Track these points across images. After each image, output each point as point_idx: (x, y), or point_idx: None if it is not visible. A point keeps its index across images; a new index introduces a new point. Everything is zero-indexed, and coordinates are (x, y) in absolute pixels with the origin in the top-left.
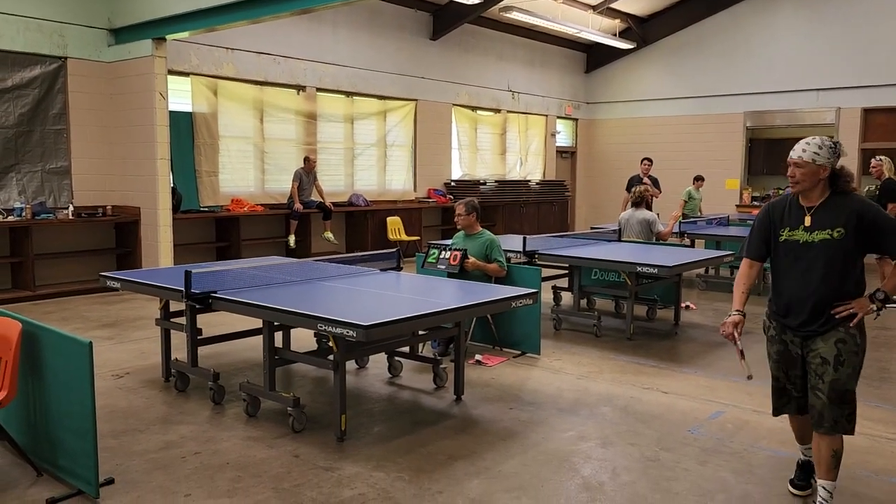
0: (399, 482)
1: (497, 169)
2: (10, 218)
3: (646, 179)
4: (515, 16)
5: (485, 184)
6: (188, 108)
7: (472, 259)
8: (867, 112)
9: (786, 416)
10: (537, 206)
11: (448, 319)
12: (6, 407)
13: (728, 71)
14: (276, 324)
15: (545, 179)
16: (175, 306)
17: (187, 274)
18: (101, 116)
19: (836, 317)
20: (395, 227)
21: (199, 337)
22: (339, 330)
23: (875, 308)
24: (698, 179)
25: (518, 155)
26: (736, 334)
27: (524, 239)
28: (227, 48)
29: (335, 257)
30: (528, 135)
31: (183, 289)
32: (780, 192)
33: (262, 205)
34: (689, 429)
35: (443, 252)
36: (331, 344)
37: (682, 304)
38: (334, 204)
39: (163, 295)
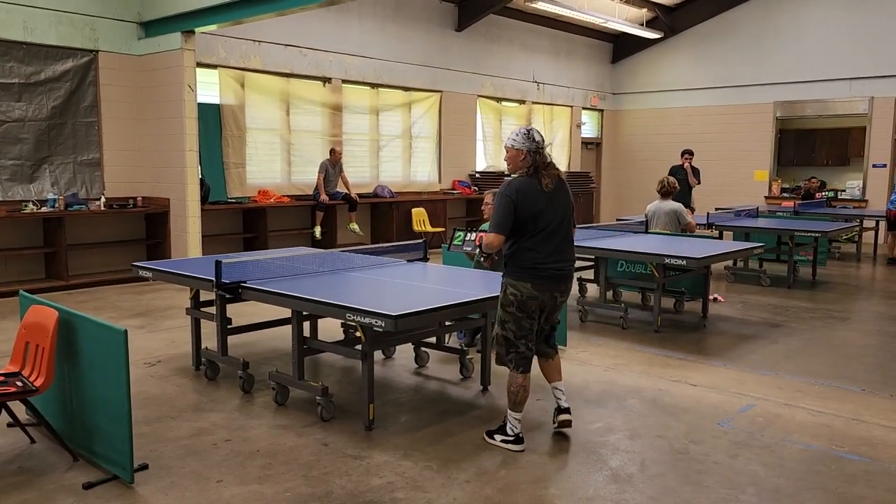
0: (427, 471)
1: None
2: (44, 209)
3: (686, 166)
4: (541, 6)
5: (510, 175)
6: (216, 101)
7: None
8: None
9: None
10: None
11: (475, 310)
12: (43, 393)
13: (757, 60)
14: (304, 314)
15: (570, 171)
16: (205, 296)
17: (217, 264)
18: (131, 109)
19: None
20: (420, 219)
21: (228, 326)
22: (367, 320)
23: (475, 252)
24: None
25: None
26: None
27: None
28: (254, 41)
29: (362, 248)
30: (553, 126)
31: (213, 278)
32: (811, 182)
33: (288, 196)
34: (718, 422)
35: (468, 234)
36: (358, 334)
37: (711, 297)
38: (359, 195)
39: (193, 285)
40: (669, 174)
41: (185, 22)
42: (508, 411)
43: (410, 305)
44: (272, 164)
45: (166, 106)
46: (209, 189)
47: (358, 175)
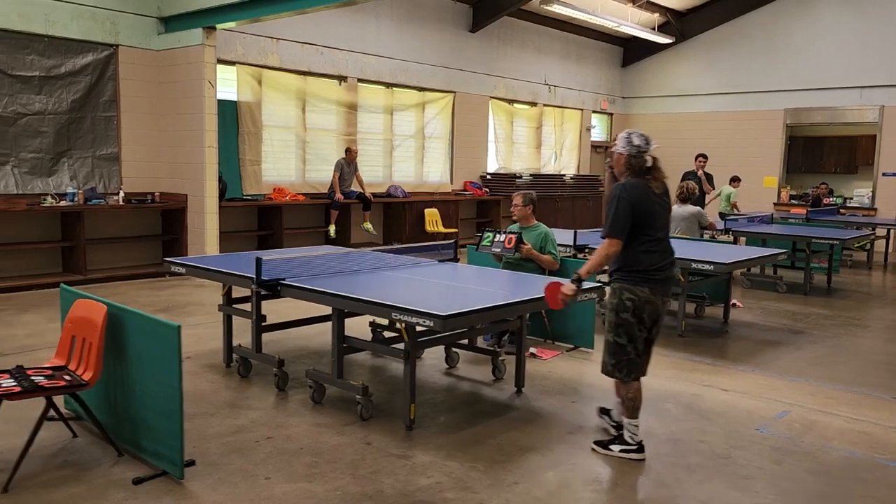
0: (473, 472)
1: (532, 163)
2: (63, 202)
3: (700, 174)
4: (556, 8)
5: (521, 177)
6: (233, 97)
7: (527, 245)
8: None
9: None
10: (572, 200)
11: (520, 311)
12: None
13: (768, 67)
14: (345, 311)
15: (579, 174)
16: (236, 293)
17: (258, 261)
18: (149, 104)
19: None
20: (433, 219)
21: (263, 324)
22: (415, 319)
23: (574, 287)
24: (735, 180)
25: (553, 149)
26: None
27: (575, 233)
28: (272, 38)
29: (396, 248)
30: (563, 129)
31: (253, 276)
32: (819, 189)
33: (302, 194)
34: (756, 427)
35: (497, 235)
36: (387, 334)
37: (730, 302)
38: (373, 195)
39: (232, 282)
40: (683, 179)
41: (205, 18)
42: (626, 420)
43: (454, 305)
44: (287, 161)
45: (185, 101)
46: (226, 186)
47: (371, 174)
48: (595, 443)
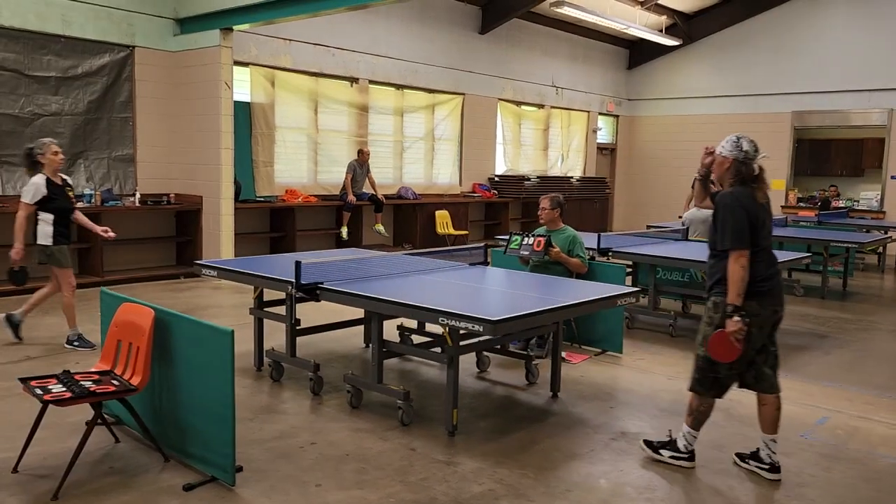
0: (524, 479)
1: (539, 164)
2: (80, 204)
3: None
4: (566, 10)
5: (529, 179)
6: (246, 98)
7: (556, 248)
8: None
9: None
10: (579, 202)
11: (567, 315)
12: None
13: (775, 70)
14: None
15: (585, 176)
16: (268, 296)
17: (297, 265)
18: (165, 105)
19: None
20: (444, 221)
21: (297, 328)
22: (464, 324)
23: (737, 320)
24: None
25: (560, 151)
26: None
27: (599, 236)
28: (285, 39)
29: (427, 251)
30: (570, 130)
31: (290, 279)
32: (829, 191)
33: (314, 196)
34: (800, 434)
35: (526, 238)
36: (415, 338)
37: None
38: (385, 197)
39: (269, 286)
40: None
41: (220, 20)
42: (686, 427)
43: (500, 309)
44: (299, 163)
45: (201, 103)
46: (240, 187)
47: (381, 176)
48: (645, 442)
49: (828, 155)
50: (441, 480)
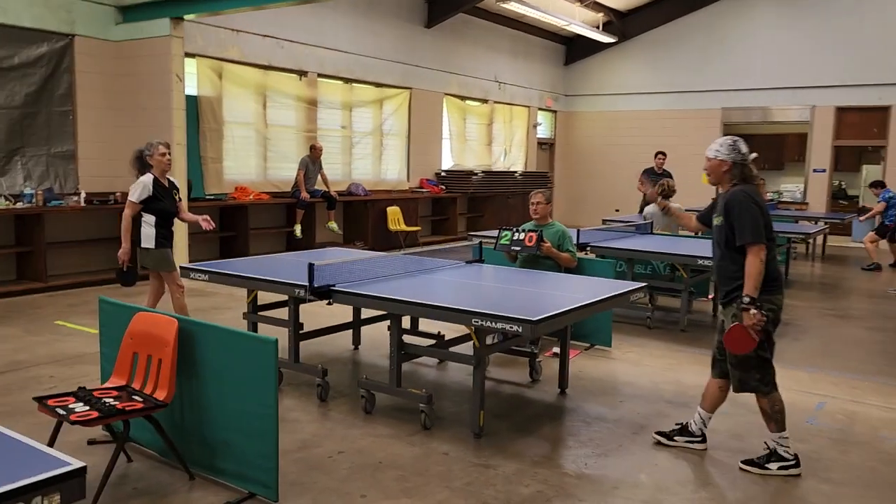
0: (567, 478)
1: (483, 159)
2: (19, 205)
3: (660, 172)
4: (512, 6)
5: (476, 174)
6: (193, 92)
7: (547, 243)
8: (840, 111)
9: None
10: (523, 197)
11: (593, 311)
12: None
13: (706, 67)
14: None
15: (528, 171)
16: (262, 299)
17: (311, 267)
18: (108, 98)
19: (748, 334)
20: (396, 217)
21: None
22: (500, 325)
23: (754, 312)
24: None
25: (503, 146)
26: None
27: (578, 231)
28: (232, 30)
29: (421, 250)
30: (512, 126)
31: (297, 281)
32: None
33: (266, 193)
34: (806, 420)
35: (516, 234)
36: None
37: (710, 296)
38: (337, 193)
39: (276, 290)
40: (642, 176)
41: (165, 8)
42: (777, 435)
43: (533, 308)
44: (248, 159)
45: (149, 96)
46: (191, 185)
47: (331, 172)
48: (744, 461)
49: (757, 150)
50: (487, 484)
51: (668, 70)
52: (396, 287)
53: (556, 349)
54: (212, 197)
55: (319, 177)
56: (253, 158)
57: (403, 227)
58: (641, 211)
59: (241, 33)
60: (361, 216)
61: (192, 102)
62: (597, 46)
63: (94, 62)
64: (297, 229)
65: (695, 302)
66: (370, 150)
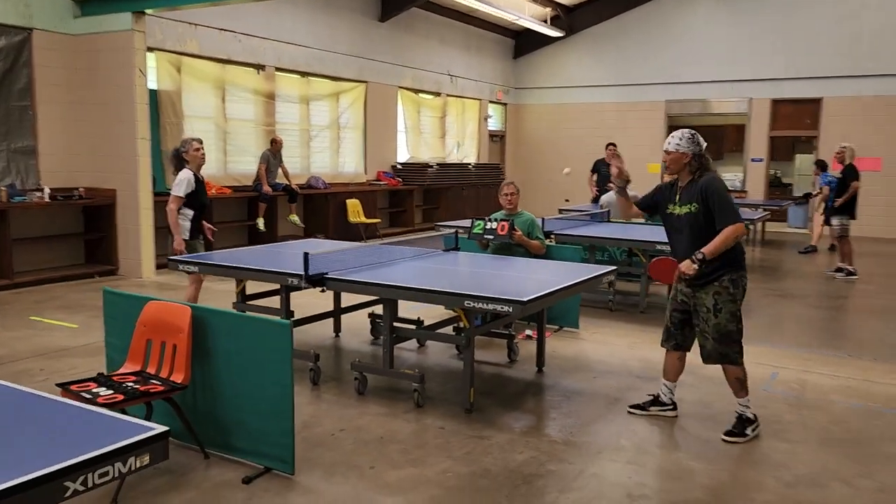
0: (556, 445)
1: (437, 152)
2: None
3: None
4: (464, 0)
5: (432, 167)
6: (153, 86)
7: (519, 231)
8: (775, 103)
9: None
10: (476, 188)
11: (574, 292)
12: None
13: (650, 61)
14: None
15: (481, 162)
16: (251, 289)
17: (306, 256)
18: (69, 93)
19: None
20: (356, 210)
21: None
22: (492, 306)
23: (696, 266)
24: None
25: (456, 138)
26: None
27: (543, 220)
28: (190, 24)
29: (383, 242)
30: (464, 118)
31: (292, 271)
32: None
33: (227, 187)
34: (762, 387)
35: (488, 223)
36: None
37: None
38: (298, 186)
39: (272, 279)
40: (593, 170)
41: (127, 2)
42: (745, 400)
43: (520, 290)
44: (208, 153)
45: (111, 90)
46: (154, 180)
47: (290, 166)
48: (726, 434)
49: None
50: (484, 453)
51: (614, 64)
52: (385, 274)
53: (529, 332)
54: None
55: (280, 170)
56: (213, 153)
57: (363, 219)
58: (596, 201)
59: (199, 27)
60: (322, 209)
61: (152, 97)
62: (545, 40)
63: (54, 56)
64: (260, 222)
65: (650, 285)
66: (328, 144)
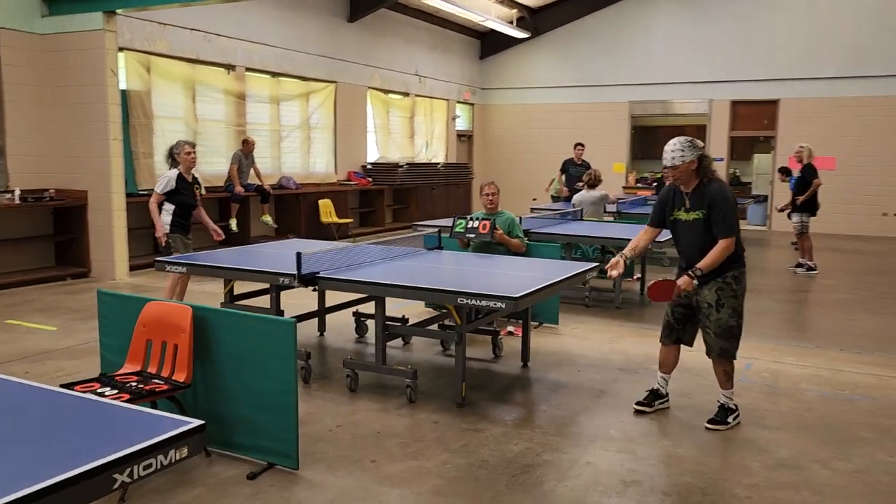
0: (550, 436)
1: (406, 151)
2: None
3: (580, 162)
4: (432, 1)
5: (402, 167)
6: (122, 86)
7: (500, 230)
8: (735, 104)
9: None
10: (445, 188)
11: (562, 288)
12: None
13: (614, 62)
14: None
15: (449, 162)
16: (238, 289)
17: (298, 256)
18: (37, 92)
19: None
20: (328, 210)
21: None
22: (484, 303)
23: (696, 283)
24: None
25: (424, 138)
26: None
27: (520, 218)
28: (160, 23)
29: (380, 240)
30: (432, 118)
31: (284, 270)
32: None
33: None
34: (739, 378)
35: (470, 222)
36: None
37: (635, 276)
38: (271, 187)
39: (263, 279)
40: (562, 169)
41: (97, 2)
42: (730, 392)
43: (510, 287)
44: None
45: (81, 91)
46: (125, 181)
47: (261, 166)
48: (709, 422)
49: (655, 140)
50: (480, 445)
51: (578, 65)
52: (375, 272)
53: (510, 328)
54: (144, 192)
55: (252, 171)
56: None
57: (336, 219)
58: (568, 199)
59: (168, 27)
60: (294, 209)
61: (122, 97)
62: (510, 41)
63: (21, 55)
64: (233, 223)
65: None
66: (298, 144)
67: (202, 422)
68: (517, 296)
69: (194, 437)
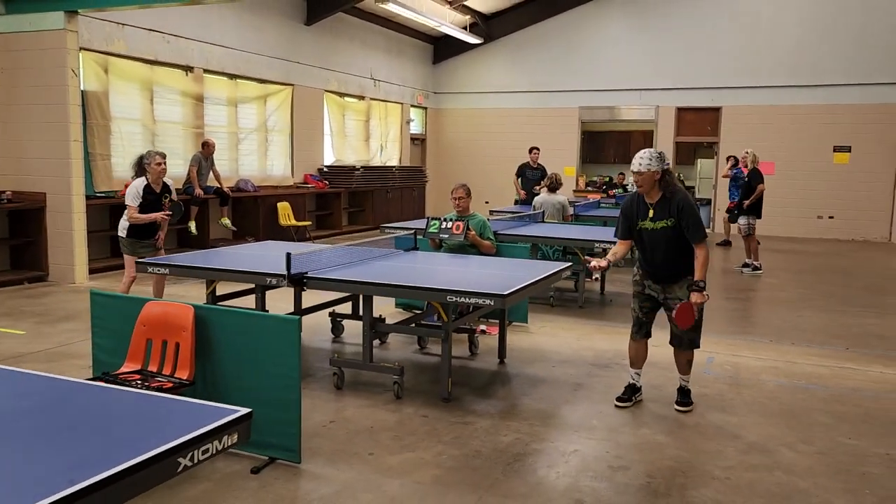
0: (537, 427)
1: (362, 155)
2: None
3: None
4: (390, 7)
5: (358, 170)
6: (80, 86)
7: (472, 231)
8: (680, 111)
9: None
10: (400, 191)
11: (545, 286)
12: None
13: (565, 69)
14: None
15: (403, 165)
16: (220, 290)
17: (288, 256)
18: None
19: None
20: (286, 213)
21: None
22: (473, 300)
23: (706, 294)
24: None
25: (379, 141)
26: (595, 264)
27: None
28: (117, 23)
29: (365, 241)
30: (387, 122)
31: (274, 271)
32: (619, 178)
33: None
34: (703, 371)
35: (444, 223)
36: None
37: (595, 277)
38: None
39: (250, 280)
40: (518, 173)
41: (58, 1)
42: (688, 377)
43: (495, 285)
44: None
45: (40, 91)
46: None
47: (218, 168)
48: (679, 404)
49: (603, 145)
50: (471, 437)
51: (530, 70)
52: (360, 272)
53: (483, 327)
54: (102, 195)
55: (212, 173)
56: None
57: (294, 221)
58: (528, 202)
59: (126, 27)
60: (252, 212)
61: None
62: (463, 46)
63: None
64: (192, 226)
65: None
66: (256, 147)
67: (249, 409)
68: (505, 293)
69: (242, 424)
